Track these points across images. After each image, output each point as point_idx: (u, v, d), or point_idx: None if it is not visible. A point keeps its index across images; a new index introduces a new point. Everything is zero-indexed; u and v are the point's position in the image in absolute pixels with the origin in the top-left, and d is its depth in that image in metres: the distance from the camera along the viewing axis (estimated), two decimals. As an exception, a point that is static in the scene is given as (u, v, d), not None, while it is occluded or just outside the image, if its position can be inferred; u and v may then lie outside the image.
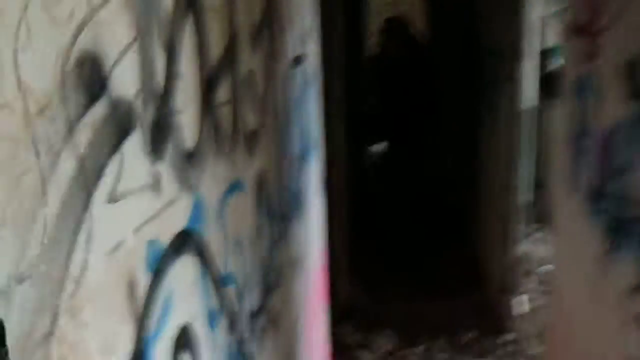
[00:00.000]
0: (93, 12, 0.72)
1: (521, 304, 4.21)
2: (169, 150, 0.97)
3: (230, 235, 1.33)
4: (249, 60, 1.50)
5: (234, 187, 1.38)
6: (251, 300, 1.52)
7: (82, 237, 0.70)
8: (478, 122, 5.08)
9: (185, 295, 1.05)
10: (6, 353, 0.55)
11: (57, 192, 0.65)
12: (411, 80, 5.07)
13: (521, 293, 4.27)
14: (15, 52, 0.58)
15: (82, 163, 0.70)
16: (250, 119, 1.50)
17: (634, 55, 1.85)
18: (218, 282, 1.23)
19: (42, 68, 0.63)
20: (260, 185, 1.63)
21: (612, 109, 2.07)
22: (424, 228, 5.25)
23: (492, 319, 4.27)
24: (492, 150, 4.59)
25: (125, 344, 0.83)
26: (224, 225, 1.28)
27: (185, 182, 1.04)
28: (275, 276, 1.82)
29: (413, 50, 5.24)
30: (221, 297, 1.26)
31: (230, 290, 1.33)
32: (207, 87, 1.16)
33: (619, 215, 2.04)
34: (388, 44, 5.11)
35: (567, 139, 2.57)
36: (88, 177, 0.71)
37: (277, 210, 1.85)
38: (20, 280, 0.58)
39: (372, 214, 5.39)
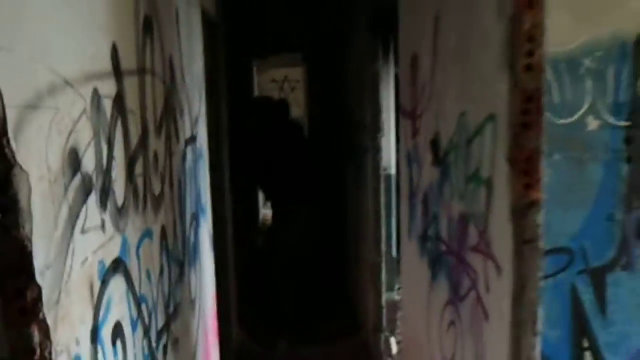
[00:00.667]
0: (74, 124, 1.30)
1: (390, 344, 4.85)
2: (109, 206, 1.54)
3: (143, 267, 1.89)
4: (155, 144, 2.10)
5: (145, 234, 1.94)
6: (157, 320, 2.07)
7: (70, 252, 1.26)
8: (349, 185, 5.85)
9: (118, 301, 1.60)
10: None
11: (61, 224, 1.21)
12: (291, 151, 5.61)
13: (390, 335, 4.92)
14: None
15: (70, 210, 1.26)
16: (156, 186, 2.09)
17: (434, 135, 2.59)
18: (137, 298, 1.78)
19: (55, 158, 1.20)
20: (164, 235, 2.20)
21: (426, 173, 2.80)
22: (309, 280, 5.81)
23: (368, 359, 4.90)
24: (362, 209, 5.32)
25: (89, 321, 1.37)
26: (139, 260, 1.84)
27: (118, 226, 1.61)
28: (174, 307, 2.37)
29: (291, 125, 5.80)
30: (138, 309, 1.81)
31: (144, 307, 1.88)
32: (129, 165, 1.75)
33: (436, 252, 2.73)
34: (267, 120, 5.62)
35: (405, 197, 3.30)
36: (72, 218, 1.28)
37: (175, 256, 2.41)
38: (48, 267, 1.14)
39: (260, 267, 5.91)
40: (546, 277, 1.88)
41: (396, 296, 4.84)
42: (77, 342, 1.28)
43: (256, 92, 9.52)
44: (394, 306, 4.85)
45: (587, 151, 1.83)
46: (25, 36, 1.09)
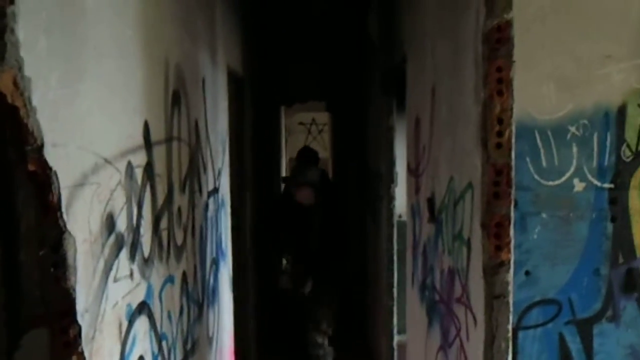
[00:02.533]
0: (111, 194, 1.62)
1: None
2: (137, 258, 1.84)
3: (164, 309, 2.18)
4: (179, 200, 2.41)
5: (167, 280, 2.24)
6: (176, 355, 2.35)
7: (104, 297, 1.56)
8: (369, 231, 6.12)
9: (142, 338, 1.89)
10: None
11: (97, 275, 1.52)
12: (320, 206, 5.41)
13: (403, 375, 5.11)
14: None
15: (105, 263, 1.57)
16: (179, 237, 2.40)
17: (430, 194, 2.86)
18: (158, 335, 2.08)
19: (95, 223, 1.51)
20: (184, 279, 2.50)
21: (425, 228, 3.07)
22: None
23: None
24: (377, 255, 5.57)
25: (117, 354, 1.67)
26: (161, 302, 2.14)
27: (144, 275, 1.91)
28: (192, 345, 2.65)
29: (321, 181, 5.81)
30: (159, 345, 2.10)
31: (164, 343, 2.17)
32: (155, 221, 2.06)
33: (431, 300, 2.98)
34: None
35: (410, 247, 3.56)
36: (107, 269, 1.58)
37: (194, 298, 2.71)
38: (87, 310, 1.44)
39: (280, 309, 6.14)
40: (535, 326, 2.10)
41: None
42: (107, 372, 1.58)
43: (284, 134, 9.89)
44: (404, 348, 5.05)
45: (574, 210, 2.05)
46: (75, 132, 1.41)
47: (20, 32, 1.13)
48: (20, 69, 1.14)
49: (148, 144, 1.96)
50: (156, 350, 2.06)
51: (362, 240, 6.67)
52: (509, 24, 1.97)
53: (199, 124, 2.79)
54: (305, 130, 12.45)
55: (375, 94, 5.42)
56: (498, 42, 1.98)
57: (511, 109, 1.99)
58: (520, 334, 2.08)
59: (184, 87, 2.49)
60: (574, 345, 2.08)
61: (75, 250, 1.38)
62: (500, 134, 1.99)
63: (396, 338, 5.08)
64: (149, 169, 1.96)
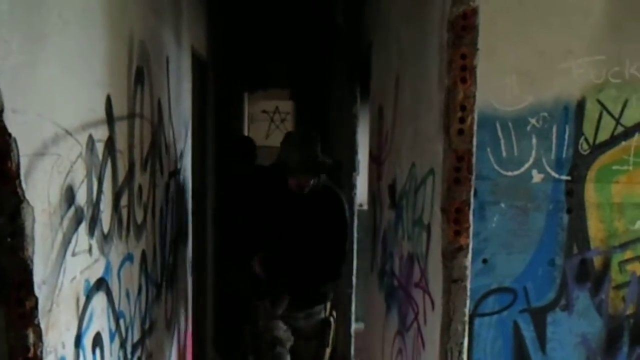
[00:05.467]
0: (72, 166, 1.59)
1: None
2: (96, 233, 1.82)
3: (123, 287, 2.16)
4: (140, 178, 2.38)
5: (126, 258, 2.22)
6: (133, 334, 2.33)
7: (62, 271, 1.54)
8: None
9: (99, 314, 1.87)
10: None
11: (56, 248, 1.49)
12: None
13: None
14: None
15: (64, 236, 1.55)
16: (139, 216, 2.37)
17: (392, 181, 2.89)
18: (116, 313, 2.06)
19: (54, 194, 1.48)
20: (144, 259, 2.48)
21: (385, 214, 3.09)
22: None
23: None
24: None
25: (74, 329, 1.65)
26: (120, 280, 2.12)
27: (103, 251, 1.89)
28: (149, 325, 2.63)
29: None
30: (117, 323, 2.08)
31: (122, 321, 2.15)
32: (116, 198, 2.03)
33: (390, 286, 3.01)
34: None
35: (370, 234, 3.59)
36: (65, 243, 1.56)
37: (153, 278, 2.68)
38: (44, 282, 1.42)
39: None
40: (491, 314, 2.15)
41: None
42: (63, 346, 1.56)
43: (247, 122, 9.84)
44: (362, 336, 5.10)
45: (531, 201, 2.10)
46: (36, 99, 1.38)
47: (-19, -8, 1.11)
48: (-20, 30, 1.11)
49: (110, 118, 1.93)
50: (113, 328, 2.04)
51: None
52: (474, 11, 1.99)
53: (162, 103, 2.76)
54: (268, 119, 12.40)
55: (339, 82, 5.43)
56: (463, 30, 2.00)
57: (474, 96, 2.02)
58: (476, 321, 2.13)
59: (147, 65, 2.46)
60: (528, 333, 2.14)
61: (34, 220, 1.36)
62: (462, 120, 2.01)
63: (354, 325, 5.13)
64: (110, 144, 1.93)
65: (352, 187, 4.93)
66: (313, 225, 3.60)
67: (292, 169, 3.46)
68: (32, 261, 1.35)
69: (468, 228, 2.05)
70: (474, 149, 2.03)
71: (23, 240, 1.33)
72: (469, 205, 2.04)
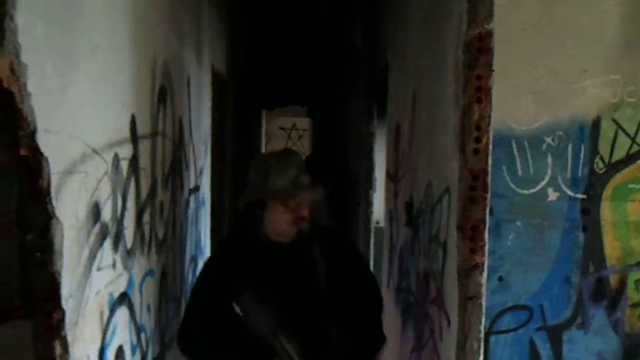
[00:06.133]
0: (98, 183, 1.65)
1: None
2: (120, 249, 1.87)
3: (144, 301, 2.21)
4: (162, 195, 2.44)
5: (148, 273, 2.27)
6: (154, 348, 2.38)
7: (88, 285, 1.59)
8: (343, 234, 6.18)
9: (122, 328, 1.92)
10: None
11: (82, 263, 1.55)
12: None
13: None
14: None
15: (90, 251, 1.60)
16: (160, 232, 2.43)
17: (408, 198, 2.92)
18: (137, 327, 2.10)
19: (82, 211, 1.54)
20: (164, 274, 2.53)
21: (402, 231, 3.12)
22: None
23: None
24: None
25: (98, 342, 1.70)
26: (141, 295, 2.16)
27: (126, 266, 1.94)
28: (169, 339, 2.67)
29: None
30: (138, 337, 2.12)
31: (142, 335, 2.20)
32: (139, 214, 2.09)
33: (406, 302, 3.04)
34: None
35: (387, 251, 3.62)
36: (91, 258, 1.61)
37: (173, 294, 2.73)
38: (71, 296, 1.47)
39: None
40: (507, 331, 2.15)
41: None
42: (88, 358, 1.61)
43: (264, 139, 9.93)
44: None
45: (547, 219, 2.10)
46: (66, 120, 1.44)
47: (19, 19, 1.17)
48: (17, 55, 1.17)
49: (134, 137, 2.00)
50: (135, 342, 2.08)
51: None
52: (489, 33, 2.04)
53: (183, 121, 2.83)
54: (285, 135, 12.49)
55: (356, 101, 5.48)
56: (478, 51, 2.04)
57: (489, 117, 2.05)
58: (492, 339, 2.12)
59: (170, 84, 2.53)
60: (544, 351, 2.12)
61: (62, 236, 1.41)
62: (478, 140, 2.05)
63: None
64: (134, 162, 1.99)
65: (369, 204, 4.96)
66: (321, 290, 2.31)
67: (281, 190, 2.21)
68: (60, 275, 1.40)
69: (483, 246, 2.08)
70: (490, 168, 2.06)
71: (52, 255, 1.38)
72: (484, 223, 2.07)
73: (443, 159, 2.33)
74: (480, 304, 2.08)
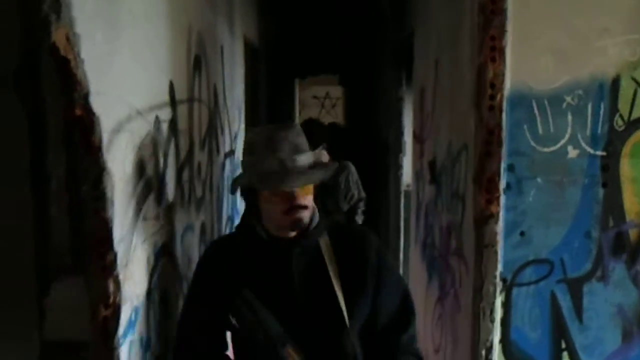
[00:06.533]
0: (142, 142, 1.83)
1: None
2: (162, 203, 2.07)
3: (185, 254, 2.41)
4: (199, 156, 2.63)
5: (188, 228, 2.47)
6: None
7: (135, 232, 1.78)
8: (377, 199, 6.33)
9: (165, 275, 2.12)
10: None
11: (130, 212, 1.74)
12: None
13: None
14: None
15: (137, 203, 1.79)
16: (198, 190, 2.62)
17: (432, 157, 3.06)
18: (180, 275, 2.31)
19: (129, 166, 1.73)
20: (203, 230, 2.73)
21: (427, 189, 3.27)
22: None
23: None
24: (385, 222, 5.79)
25: (145, 284, 1.89)
26: (182, 247, 2.36)
27: (168, 219, 2.14)
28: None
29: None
30: (180, 285, 2.33)
31: (184, 285, 2.40)
32: (178, 172, 2.28)
33: (431, 256, 3.20)
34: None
35: (414, 209, 3.77)
36: (138, 208, 1.80)
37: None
38: (121, 240, 1.66)
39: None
40: (528, 284, 2.25)
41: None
42: (137, 298, 1.81)
43: (298, 108, 10.06)
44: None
45: (567, 176, 2.20)
46: (113, 84, 1.62)
47: (72, -6, 1.34)
48: (72, 26, 1.35)
49: (173, 101, 2.18)
50: (177, 289, 2.29)
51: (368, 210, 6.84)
52: (502, -4, 2.15)
53: (217, 89, 3.01)
54: (319, 104, 12.56)
55: (386, 67, 5.59)
56: (492, 13, 2.16)
57: (503, 75, 2.17)
58: (514, 291, 2.25)
59: (204, 53, 2.70)
60: (565, 302, 2.24)
61: (113, 187, 1.59)
62: (492, 97, 2.18)
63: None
64: (173, 124, 2.18)
65: (398, 167, 5.10)
66: (334, 296, 1.85)
67: (268, 175, 1.79)
68: (111, 221, 1.59)
69: (498, 197, 2.21)
70: (504, 124, 2.18)
71: (104, 203, 1.56)
72: (499, 175, 2.20)
73: (461, 117, 2.46)
74: (496, 251, 2.23)
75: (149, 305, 1.92)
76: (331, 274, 1.84)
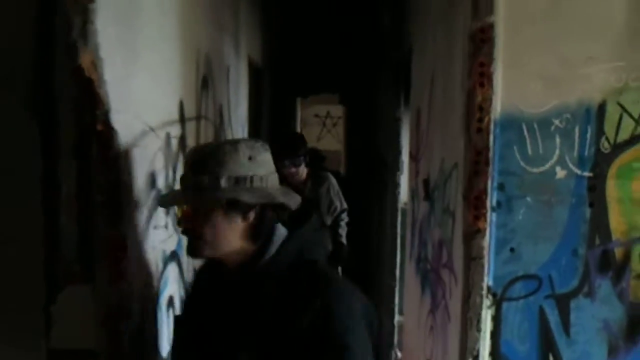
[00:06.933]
0: (154, 156, 1.97)
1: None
2: (170, 212, 2.21)
3: (190, 262, 2.54)
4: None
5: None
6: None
7: (146, 239, 1.92)
8: (374, 216, 6.47)
9: (172, 281, 2.26)
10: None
11: (143, 219, 1.88)
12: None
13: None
14: (137, 174, 1.83)
15: (149, 212, 1.93)
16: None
17: (426, 175, 3.20)
18: (185, 282, 2.44)
19: (142, 177, 1.87)
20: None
21: (421, 206, 3.41)
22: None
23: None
24: (381, 240, 5.91)
25: (156, 288, 2.03)
26: (188, 256, 2.50)
27: (176, 228, 2.28)
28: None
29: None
30: (185, 290, 2.47)
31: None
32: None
33: (424, 270, 3.32)
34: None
35: (409, 226, 3.91)
36: (149, 217, 1.95)
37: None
38: (133, 247, 1.80)
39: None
40: (517, 299, 2.30)
41: (408, 317, 5.32)
42: (148, 302, 1.94)
43: (299, 126, 10.21)
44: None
45: (555, 195, 2.27)
46: (130, 103, 1.77)
47: (97, 22, 1.50)
48: (96, 51, 1.50)
49: (182, 119, 2.33)
50: (183, 295, 2.42)
51: (366, 227, 6.97)
52: (491, 26, 2.28)
53: (222, 107, 3.16)
54: (320, 123, 12.70)
55: (385, 86, 5.74)
56: (482, 42, 2.30)
57: (491, 99, 2.30)
58: (504, 305, 2.32)
59: (211, 74, 2.86)
60: (553, 317, 2.30)
61: (127, 197, 1.74)
62: (480, 120, 2.31)
63: (397, 317, 5.40)
64: (182, 140, 2.33)
65: (396, 185, 5.24)
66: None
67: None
68: (126, 229, 1.74)
69: (485, 213, 2.33)
70: (492, 145, 2.30)
71: (120, 211, 1.71)
72: (486, 193, 2.32)
73: (453, 137, 2.60)
74: (482, 264, 2.33)
75: (157, 309, 2.05)
76: (263, 324, 1.58)
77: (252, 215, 1.62)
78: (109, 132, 1.61)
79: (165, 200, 1.84)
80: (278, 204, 1.63)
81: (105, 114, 1.58)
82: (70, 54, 1.47)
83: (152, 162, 1.96)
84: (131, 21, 1.76)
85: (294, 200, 1.67)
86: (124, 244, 1.73)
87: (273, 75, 5.77)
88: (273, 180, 1.66)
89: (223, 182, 1.58)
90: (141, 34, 1.85)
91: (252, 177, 1.60)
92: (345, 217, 4.95)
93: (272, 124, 5.88)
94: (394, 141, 5.24)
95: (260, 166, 1.63)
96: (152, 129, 1.95)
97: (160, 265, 2.10)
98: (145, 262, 1.92)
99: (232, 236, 1.62)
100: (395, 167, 5.26)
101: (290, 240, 1.66)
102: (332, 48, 6.62)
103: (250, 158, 1.61)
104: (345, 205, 4.91)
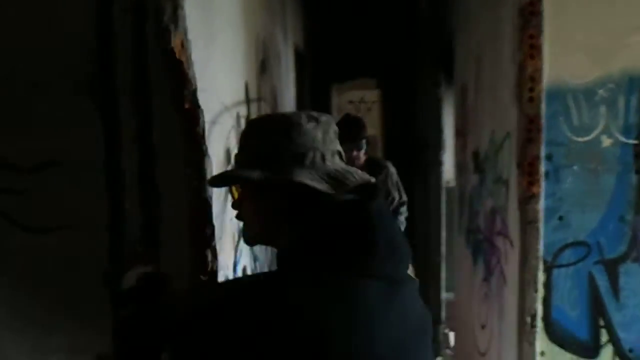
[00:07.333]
0: (228, 134, 2.12)
1: (448, 338, 5.49)
2: (242, 188, 2.35)
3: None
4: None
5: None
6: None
7: (225, 211, 2.07)
8: (417, 196, 6.56)
9: (245, 253, 2.41)
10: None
11: (222, 193, 2.03)
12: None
13: (450, 330, 5.53)
14: (217, 149, 1.98)
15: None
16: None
17: (476, 148, 3.31)
18: (254, 255, 2.59)
19: (220, 153, 2.02)
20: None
21: (471, 179, 3.51)
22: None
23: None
24: (426, 218, 6.01)
25: (232, 258, 2.18)
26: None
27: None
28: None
29: None
30: (255, 263, 2.61)
31: (257, 263, 2.69)
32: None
33: (476, 241, 3.43)
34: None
35: (457, 199, 4.01)
36: (227, 192, 2.09)
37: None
38: (216, 217, 1.95)
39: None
40: (567, 265, 2.41)
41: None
42: (227, 268, 2.09)
43: (336, 112, 10.30)
44: (452, 305, 5.47)
45: (602, 164, 2.36)
46: (210, 83, 1.91)
47: (185, 8, 1.64)
48: (185, 34, 1.64)
49: (247, 100, 2.47)
50: (253, 267, 2.58)
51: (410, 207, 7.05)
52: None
53: (277, 90, 3.30)
54: (354, 109, 12.74)
55: (424, 69, 5.82)
56: (531, 14, 2.40)
57: (541, 70, 2.40)
58: (555, 272, 2.42)
59: (268, 58, 3.00)
60: (602, 282, 2.39)
61: (212, 171, 1.88)
62: (531, 89, 2.41)
63: (445, 294, 5.51)
64: (248, 119, 2.47)
65: (439, 164, 5.34)
66: None
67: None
68: (210, 199, 1.87)
69: (539, 179, 2.44)
70: (543, 114, 2.40)
71: (204, 184, 1.85)
72: (539, 159, 2.43)
73: (504, 109, 2.70)
74: (538, 227, 2.44)
75: (234, 275, 2.20)
76: None
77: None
78: (195, 109, 1.75)
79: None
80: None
81: (193, 93, 1.72)
82: (163, 37, 1.61)
83: (227, 139, 2.10)
84: (210, 6, 1.90)
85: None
86: (207, 213, 1.87)
87: (313, 61, 5.89)
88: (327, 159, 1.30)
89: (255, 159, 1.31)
90: (215, 19, 1.99)
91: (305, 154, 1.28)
92: (404, 211, 4.40)
93: (313, 109, 5.99)
94: (436, 121, 5.33)
95: (309, 141, 1.30)
96: (226, 108, 2.09)
97: (237, 236, 2.24)
98: (225, 232, 2.06)
99: (274, 222, 1.30)
100: (438, 147, 5.35)
101: None
102: (369, 33, 6.68)
103: (297, 133, 1.30)
104: (405, 198, 4.39)
